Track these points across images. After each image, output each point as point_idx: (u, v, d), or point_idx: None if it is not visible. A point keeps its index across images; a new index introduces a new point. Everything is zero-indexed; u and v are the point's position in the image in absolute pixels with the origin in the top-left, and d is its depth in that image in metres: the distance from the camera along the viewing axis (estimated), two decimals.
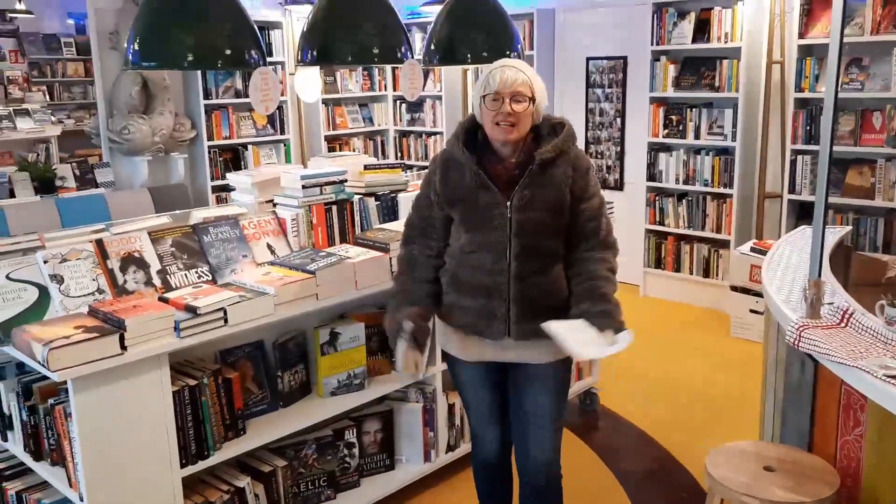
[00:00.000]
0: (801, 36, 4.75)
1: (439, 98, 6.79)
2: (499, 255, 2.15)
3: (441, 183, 2.23)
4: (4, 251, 2.33)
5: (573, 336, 2.06)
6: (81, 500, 2.15)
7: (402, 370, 2.25)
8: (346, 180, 3.02)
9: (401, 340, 2.21)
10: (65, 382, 2.06)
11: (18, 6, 8.32)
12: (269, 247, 2.80)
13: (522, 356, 2.24)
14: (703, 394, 4.01)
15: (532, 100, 2.13)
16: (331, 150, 6.75)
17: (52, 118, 7.28)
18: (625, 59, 5.76)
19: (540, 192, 2.13)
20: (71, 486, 2.21)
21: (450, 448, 3.16)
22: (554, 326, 2.07)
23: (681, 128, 5.36)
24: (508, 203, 2.13)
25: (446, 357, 2.41)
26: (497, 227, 2.14)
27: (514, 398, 2.33)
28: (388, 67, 6.95)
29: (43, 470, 2.33)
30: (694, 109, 5.30)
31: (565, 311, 2.19)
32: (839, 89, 2.07)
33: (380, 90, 7.16)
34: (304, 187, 2.86)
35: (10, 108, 6.89)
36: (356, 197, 3.06)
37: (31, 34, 9.16)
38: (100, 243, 2.43)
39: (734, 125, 5.10)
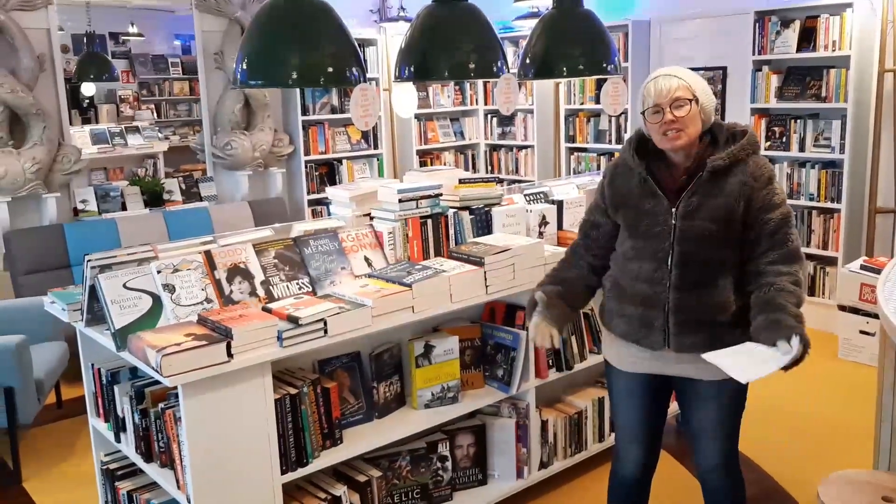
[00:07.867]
0: None
1: (531, 112, 6.76)
2: (660, 263, 2.11)
3: (609, 187, 2.24)
4: (122, 261, 2.45)
5: (735, 361, 1.94)
6: (189, 501, 2.23)
7: (535, 341, 2.29)
8: (441, 194, 3.05)
9: (535, 313, 2.28)
10: (175, 387, 2.14)
11: (131, 29, 8.86)
12: (366, 259, 2.84)
13: (686, 371, 2.18)
14: (810, 418, 3.82)
15: (694, 100, 2.09)
16: (422, 164, 6.83)
17: (160, 135, 7.68)
18: (724, 69, 5.59)
19: (708, 200, 2.07)
20: (179, 487, 2.30)
21: (542, 465, 3.12)
22: (713, 356, 1.98)
23: (784, 140, 5.16)
24: (674, 210, 2.09)
25: (606, 365, 2.38)
26: (660, 235, 2.10)
27: (682, 412, 2.32)
28: (480, 82, 6.98)
29: (153, 471, 2.44)
30: (798, 121, 5.09)
31: (732, 328, 2.09)
32: None
33: (471, 104, 7.20)
34: (400, 201, 2.90)
35: (122, 126, 7.31)
36: (451, 211, 3.08)
37: (141, 55, 9.68)
38: (208, 255, 2.53)
39: (842, 137, 4.87)
